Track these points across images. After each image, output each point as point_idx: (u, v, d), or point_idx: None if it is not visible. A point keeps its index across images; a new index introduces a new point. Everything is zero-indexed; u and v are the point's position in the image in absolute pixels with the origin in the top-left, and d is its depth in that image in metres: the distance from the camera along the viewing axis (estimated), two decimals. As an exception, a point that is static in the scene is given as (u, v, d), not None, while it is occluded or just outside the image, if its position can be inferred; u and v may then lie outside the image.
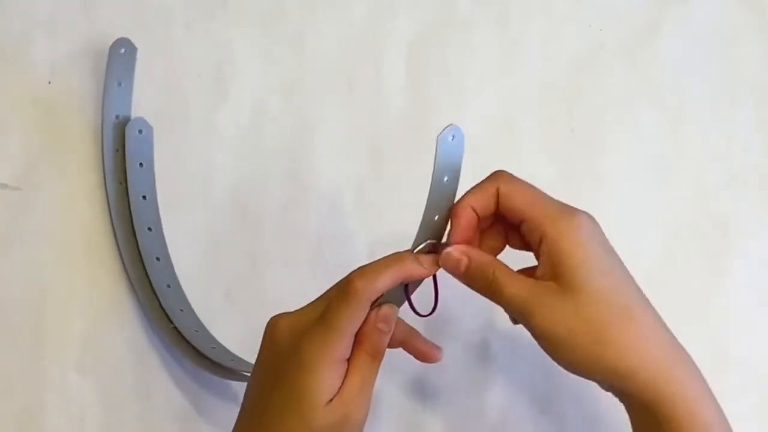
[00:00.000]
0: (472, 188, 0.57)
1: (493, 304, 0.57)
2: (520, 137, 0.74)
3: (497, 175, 0.57)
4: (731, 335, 0.72)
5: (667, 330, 0.56)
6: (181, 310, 0.69)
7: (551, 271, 0.55)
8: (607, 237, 0.57)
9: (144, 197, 0.70)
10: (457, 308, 0.70)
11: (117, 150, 0.70)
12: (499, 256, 0.59)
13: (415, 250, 0.57)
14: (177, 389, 0.70)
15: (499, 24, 0.76)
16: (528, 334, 0.56)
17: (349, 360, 0.56)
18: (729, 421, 0.56)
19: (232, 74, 0.74)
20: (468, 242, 0.58)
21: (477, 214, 0.57)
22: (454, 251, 0.57)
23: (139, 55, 0.71)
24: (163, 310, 0.68)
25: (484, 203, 0.57)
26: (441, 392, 0.70)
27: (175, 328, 0.68)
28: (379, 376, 0.57)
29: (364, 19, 0.76)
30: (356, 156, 0.74)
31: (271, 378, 0.56)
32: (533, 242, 0.56)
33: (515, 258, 0.58)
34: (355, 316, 0.55)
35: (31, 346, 0.69)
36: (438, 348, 0.60)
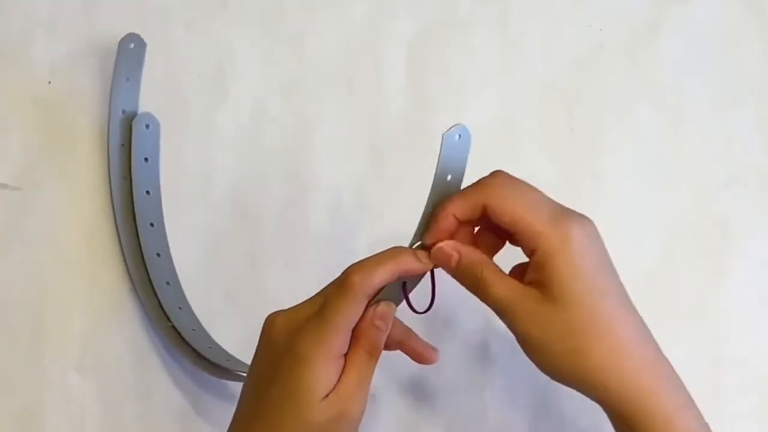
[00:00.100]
0: (459, 194, 0.57)
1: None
2: (520, 137, 0.74)
3: (485, 188, 0.56)
4: (731, 335, 0.72)
5: (650, 343, 0.56)
6: (180, 308, 0.69)
7: (537, 279, 0.55)
8: (606, 239, 0.56)
9: (148, 192, 0.70)
10: (457, 308, 0.70)
11: (123, 145, 0.70)
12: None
13: (414, 246, 0.57)
14: (177, 389, 0.70)
15: (499, 24, 0.76)
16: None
17: (346, 356, 0.56)
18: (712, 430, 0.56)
19: (232, 74, 0.74)
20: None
21: (458, 219, 0.57)
22: (446, 246, 0.57)
23: (139, 54, 0.71)
24: (162, 308, 0.68)
25: (467, 213, 0.57)
26: (440, 392, 0.70)
27: (173, 327, 0.68)
28: (378, 376, 0.57)
29: (364, 19, 0.76)
30: (356, 156, 0.74)
31: (267, 373, 0.56)
32: (525, 252, 0.56)
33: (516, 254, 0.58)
34: (352, 311, 0.55)
35: (31, 346, 0.69)
36: (435, 349, 0.60)
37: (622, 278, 0.57)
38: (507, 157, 0.74)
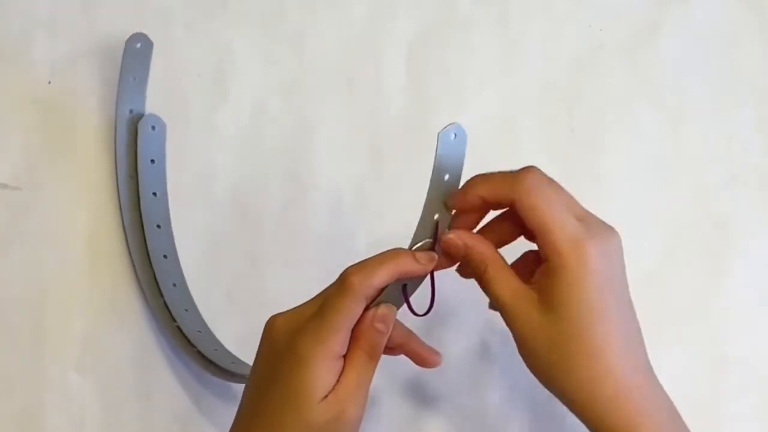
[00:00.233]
0: (491, 180, 0.56)
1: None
2: (520, 137, 0.74)
3: (517, 183, 0.56)
4: (731, 335, 0.72)
5: (642, 372, 0.55)
6: (186, 310, 0.69)
7: (542, 284, 0.55)
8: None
9: (154, 194, 0.70)
10: (457, 309, 0.70)
11: (129, 144, 0.70)
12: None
13: (413, 248, 0.57)
14: (177, 389, 0.70)
15: (499, 24, 0.76)
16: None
17: (345, 357, 0.56)
18: None
19: (232, 74, 0.74)
20: (471, 227, 0.58)
21: (483, 200, 0.57)
22: (455, 237, 0.57)
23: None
24: (168, 309, 0.68)
25: (495, 197, 0.56)
26: (441, 393, 0.70)
27: (178, 327, 0.68)
28: (379, 377, 0.57)
29: (364, 19, 0.76)
30: (356, 156, 0.74)
31: (268, 375, 0.56)
32: (540, 254, 0.56)
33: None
34: (351, 311, 0.55)
35: (31, 346, 0.69)
36: (437, 353, 0.60)
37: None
38: (507, 157, 0.73)
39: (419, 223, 0.57)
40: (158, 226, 0.70)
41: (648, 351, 0.57)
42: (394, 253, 0.56)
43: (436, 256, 0.57)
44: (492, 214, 0.60)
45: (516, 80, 0.75)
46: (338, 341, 0.55)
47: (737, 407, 0.71)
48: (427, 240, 0.57)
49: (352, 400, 0.55)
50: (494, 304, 0.57)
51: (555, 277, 0.54)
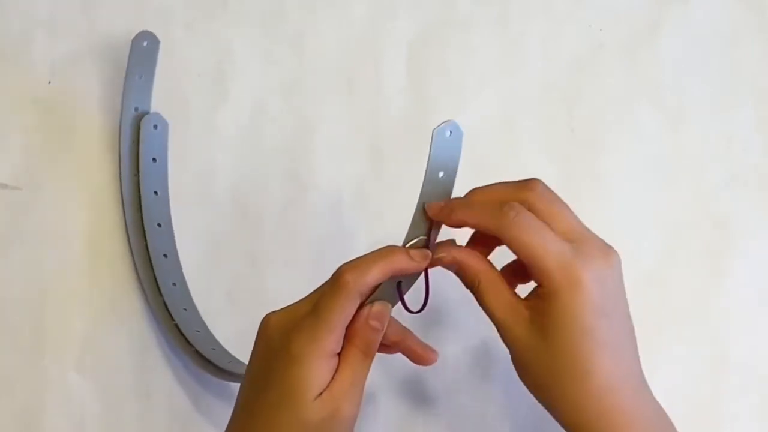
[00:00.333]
0: (477, 209, 0.56)
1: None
2: (520, 137, 0.74)
3: (504, 212, 0.55)
4: (731, 335, 0.72)
5: (632, 390, 0.55)
6: (185, 310, 0.69)
7: (535, 302, 0.55)
8: (606, 239, 0.56)
9: (156, 193, 0.70)
10: (456, 308, 0.70)
11: (134, 142, 0.70)
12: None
13: (407, 245, 0.57)
14: (177, 389, 0.70)
15: (499, 24, 0.76)
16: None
17: (340, 355, 0.56)
18: None
19: (232, 74, 0.74)
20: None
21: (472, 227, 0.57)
22: (446, 255, 0.57)
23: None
24: (167, 308, 0.68)
25: (482, 228, 0.57)
26: (440, 393, 0.70)
27: (176, 325, 0.68)
28: (378, 376, 0.57)
29: (364, 19, 0.76)
30: (356, 156, 0.74)
31: (263, 373, 0.56)
32: (534, 281, 0.56)
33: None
34: (345, 309, 0.55)
35: (31, 346, 0.69)
36: (433, 350, 0.60)
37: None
38: (507, 157, 0.73)
39: (413, 220, 0.57)
40: (159, 225, 0.70)
41: (648, 351, 0.57)
42: (388, 250, 0.56)
43: (430, 254, 0.57)
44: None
45: (516, 80, 0.75)
46: (333, 339, 0.55)
47: (737, 407, 0.71)
48: (421, 237, 0.57)
49: (346, 398, 0.55)
50: (487, 315, 0.57)
51: (547, 302, 0.54)
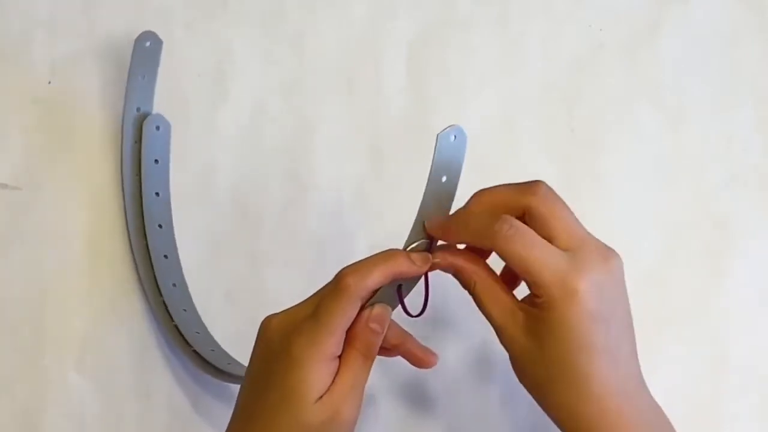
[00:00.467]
0: (472, 228, 0.56)
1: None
2: (520, 137, 0.74)
3: (498, 230, 0.55)
4: (731, 335, 0.72)
5: (627, 395, 0.55)
6: (185, 310, 0.69)
7: (530, 308, 0.55)
8: (606, 239, 0.56)
9: (157, 194, 0.70)
10: (457, 309, 0.70)
11: (136, 142, 0.70)
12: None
13: (408, 248, 0.57)
14: (177, 389, 0.70)
15: (499, 24, 0.76)
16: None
17: (340, 358, 0.56)
18: None
19: (232, 74, 0.74)
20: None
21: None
22: (441, 261, 0.57)
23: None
24: (167, 309, 0.68)
25: (476, 245, 0.57)
26: (441, 394, 0.70)
27: (176, 326, 0.68)
28: (378, 377, 0.57)
29: (364, 19, 0.76)
30: (356, 156, 0.74)
31: (262, 376, 0.56)
32: (530, 290, 0.56)
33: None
34: (346, 312, 0.55)
35: (31, 346, 0.69)
36: (433, 353, 0.60)
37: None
38: (507, 157, 0.73)
39: (414, 224, 0.57)
40: (160, 226, 0.70)
41: (648, 351, 0.57)
42: (389, 254, 0.56)
43: (431, 257, 0.57)
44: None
45: (516, 80, 0.75)
46: (333, 342, 0.55)
47: (737, 407, 0.71)
48: (422, 241, 0.57)
49: (347, 400, 0.55)
50: (486, 318, 0.58)
51: (542, 311, 0.54)
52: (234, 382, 0.68)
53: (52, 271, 0.70)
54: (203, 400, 0.70)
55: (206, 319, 0.70)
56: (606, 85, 0.75)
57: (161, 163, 0.70)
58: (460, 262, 0.57)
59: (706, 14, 0.77)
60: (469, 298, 0.58)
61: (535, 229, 0.55)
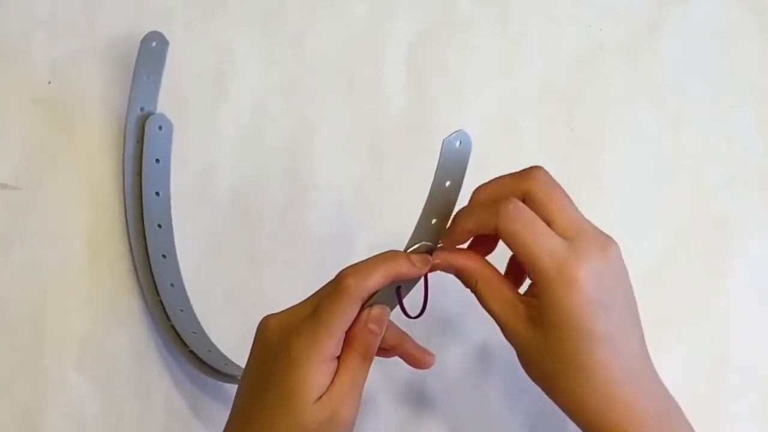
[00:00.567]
0: (475, 213, 0.56)
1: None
2: (520, 137, 0.74)
3: (497, 213, 0.55)
4: (731, 335, 0.72)
5: (635, 382, 0.55)
6: (181, 311, 0.69)
7: (531, 303, 0.55)
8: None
9: (157, 194, 0.70)
10: (457, 309, 0.70)
11: (138, 141, 0.70)
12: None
13: (409, 251, 0.57)
14: (177, 389, 0.70)
15: (499, 24, 0.76)
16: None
17: (339, 359, 0.56)
18: None
19: (232, 74, 0.74)
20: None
21: (474, 233, 0.57)
22: (441, 262, 0.57)
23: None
24: (164, 309, 0.68)
25: (481, 230, 0.56)
26: (441, 394, 0.70)
27: (173, 326, 0.68)
28: (378, 377, 0.57)
29: (364, 19, 0.76)
30: (356, 156, 0.74)
31: (261, 376, 0.56)
32: (529, 278, 0.56)
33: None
34: (346, 313, 0.55)
35: (31, 346, 0.69)
36: (431, 354, 0.60)
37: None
38: (507, 157, 0.73)
39: (416, 226, 0.57)
40: (159, 226, 0.70)
41: (648, 351, 0.57)
42: (389, 255, 0.56)
43: (431, 259, 0.57)
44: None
45: (516, 80, 0.75)
46: (333, 343, 0.55)
47: (737, 407, 0.71)
48: (422, 243, 0.57)
49: (346, 401, 0.55)
50: (489, 315, 0.58)
51: (543, 300, 0.54)
52: (231, 383, 0.68)
53: (52, 271, 0.70)
54: (202, 400, 0.70)
55: (206, 319, 0.70)
56: (606, 85, 0.75)
57: (162, 163, 0.70)
58: (461, 261, 0.58)
59: (706, 14, 0.77)
60: (468, 298, 0.58)
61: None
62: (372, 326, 0.56)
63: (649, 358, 0.57)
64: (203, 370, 0.67)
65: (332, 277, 0.56)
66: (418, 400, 0.70)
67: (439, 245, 0.58)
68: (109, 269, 0.70)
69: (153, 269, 0.69)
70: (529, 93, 0.75)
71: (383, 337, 0.57)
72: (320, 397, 0.54)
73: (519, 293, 0.57)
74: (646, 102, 0.75)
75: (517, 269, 0.59)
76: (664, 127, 0.75)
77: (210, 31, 0.75)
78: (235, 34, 0.75)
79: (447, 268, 0.58)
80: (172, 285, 0.69)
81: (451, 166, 0.56)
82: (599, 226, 0.57)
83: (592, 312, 0.54)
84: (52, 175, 0.71)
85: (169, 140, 0.71)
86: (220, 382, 0.68)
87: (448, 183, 0.57)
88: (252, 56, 0.75)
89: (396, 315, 0.58)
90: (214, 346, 0.68)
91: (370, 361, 0.57)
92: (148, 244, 0.69)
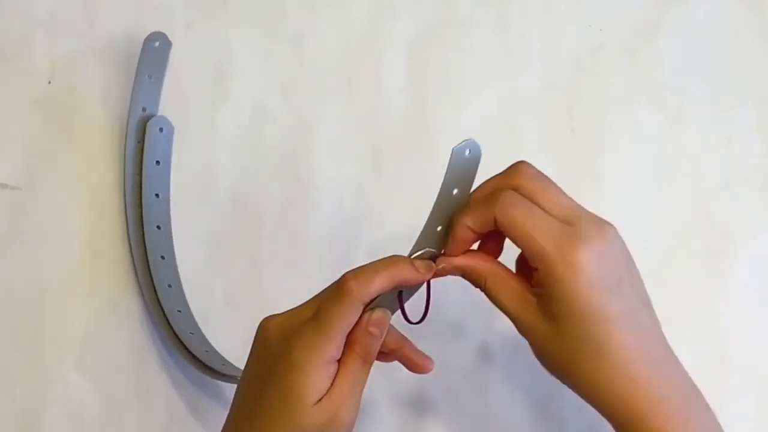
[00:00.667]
0: (472, 207, 0.56)
1: (492, 306, 0.57)
2: (520, 137, 0.74)
3: (497, 197, 0.55)
4: (731, 335, 0.72)
5: (656, 365, 0.55)
6: (179, 311, 0.69)
7: (539, 292, 0.55)
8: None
9: (157, 195, 0.70)
10: (457, 311, 0.70)
11: (139, 142, 0.70)
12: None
13: (413, 257, 0.57)
14: (177, 389, 0.70)
15: (499, 24, 0.76)
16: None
17: (339, 362, 0.56)
18: None
19: (232, 74, 0.74)
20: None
21: (475, 231, 0.57)
22: (447, 266, 0.57)
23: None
24: (162, 309, 0.68)
25: (481, 225, 0.56)
26: (441, 395, 0.70)
27: (171, 326, 0.68)
28: (379, 378, 0.57)
29: (364, 19, 0.76)
30: (356, 156, 0.73)
31: (261, 377, 0.56)
32: (532, 266, 0.56)
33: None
34: (348, 317, 0.55)
35: (31, 346, 0.69)
36: (429, 359, 0.60)
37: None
38: (507, 157, 0.73)
39: (422, 232, 0.57)
40: (158, 228, 0.70)
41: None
42: (393, 260, 0.56)
43: (434, 266, 0.57)
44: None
45: (516, 80, 0.75)
46: (334, 346, 0.54)
47: (737, 407, 0.71)
48: (426, 249, 0.57)
49: (345, 404, 0.55)
50: (502, 312, 0.57)
51: (548, 287, 0.54)
52: (229, 382, 0.68)
53: (52, 271, 0.70)
54: (201, 400, 0.70)
55: (206, 319, 0.70)
56: (606, 85, 0.75)
57: (162, 164, 0.70)
58: (468, 261, 0.57)
59: (706, 14, 0.77)
60: (468, 299, 0.58)
61: None
62: (373, 330, 0.56)
63: (665, 339, 0.56)
64: (201, 370, 0.67)
65: (332, 277, 0.56)
66: (417, 401, 0.70)
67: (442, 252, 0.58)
68: (109, 269, 0.70)
69: (151, 270, 0.69)
70: (529, 93, 0.75)
71: (384, 341, 0.57)
72: (320, 400, 0.54)
73: (529, 286, 0.57)
74: (646, 102, 0.75)
75: (525, 268, 0.59)
76: (664, 127, 0.75)
77: (210, 31, 0.75)
78: (235, 34, 0.75)
79: (453, 271, 0.57)
80: (169, 286, 0.69)
81: (460, 174, 0.56)
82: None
83: (600, 293, 0.53)
84: (52, 175, 0.71)
85: (169, 142, 0.71)
86: (220, 382, 0.68)
87: (455, 191, 0.57)
88: (252, 56, 0.75)
89: (396, 319, 0.58)
90: (211, 346, 0.69)
91: (370, 365, 0.56)
92: (147, 246, 0.69)
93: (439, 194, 0.56)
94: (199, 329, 0.69)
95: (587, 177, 0.74)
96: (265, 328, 0.56)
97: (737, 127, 0.75)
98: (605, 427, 0.62)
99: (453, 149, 0.55)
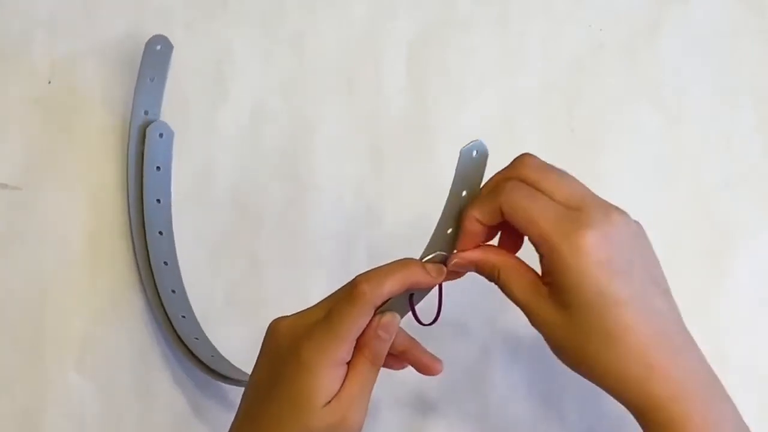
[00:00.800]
0: (479, 199, 0.56)
1: (495, 307, 0.57)
2: (520, 137, 0.74)
3: (502, 187, 0.55)
4: (731, 335, 0.72)
5: (671, 350, 0.54)
6: (183, 317, 0.69)
7: (548, 282, 0.55)
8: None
9: (158, 201, 0.70)
10: (459, 311, 0.70)
11: (139, 144, 0.70)
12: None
13: (424, 260, 0.57)
14: (177, 390, 0.70)
15: (499, 24, 0.76)
16: (529, 336, 0.56)
17: (349, 364, 0.56)
18: None
19: (232, 74, 0.74)
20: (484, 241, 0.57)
21: (484, 224, 0.56)
22: (459, 260, 0.57)
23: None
24: (167, 315, 0.68)
25: (489, 216, 0.56)
26: (442, 395, 0.70)
27: (176, 332, 0.68)
28: (381, 378, 0.57)
29: (364, 19, 0.76)
30: (356, 156, 0.73)
31: (270, 378, 0.56)
32: (539, 253, 0.55)
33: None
34: (359, 320, 0.55)
35: (31, 346, 0.69)
36: (438, 360, 0.60)
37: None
38: (507, 157, 0.73)
39: (432, 235, 0.57)
40: (160, 233, 0.70)
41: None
42: (404, 263, 0.56)
43: (445, 269, 0.57)
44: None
45: (516, 80, 0.75)
46: (344, 349, 0.55)
47: (737, 407, 0.71)
48: (438, 252, 0.57)
49: (354, 405, 0.55)
50: (516, 304, 0.57)
51: (555, 275, 0.53)
52: (236, 385, 0.68)
53: (52, 271, 0.70)
54: (203, 401, 0.70)
55: (207, 321, 0.70)
56: (606, 85, 0.75)
57: (163, 170, 0.70)
58: (481, 254, 0.57)
59: (706, 14, 0.77)
60: (469, 300, 0.58)
61: None
62: (381, 333, 0.56)
63: (684, 325, 0.55)
64: (208, 374, 0.67)
65: (332, 277, 0.56)
66: (418, 401, 0.70)
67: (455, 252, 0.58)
68: (109, 269, 0.70)
69: (155, 276, 0.69)
70: (529, 93, 0.75)
71: (392, 344, 0.57)
72: (329, 402, 0.54)
73: (541, 276, 0.56)
74: (646, 102, 0.75)
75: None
76: (664, 127, 0.75)
77: (210, 31, 0.75)
78: (235, 34, 0.75)
79: (468, 265, 0.57)
80: (173, 291, 0.69)
81: (468, 175, 0.56)
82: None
83: (608, 276, 0.53)
84: (52, 175, 0.71)
85: (169, 148, 0.71)
86: (224, 384, 0.68)
87: (464, 193, 0.57)
88: (252, 56, 0.75)
89: (405, 321, 0.58)
90: (217, 351, 0.68)
91: (379, 367, 0.57)
92: (150, 252, 0.69)
93: (448, 197, 0.56)
94: (204, 334, 0.69)
95: (587, 177, 0.73)
96: (275, 329, 0.56)
97: (737, 127, 0.75)
98: (606, 427, 0.62)
99: (461, 151, 0.55)
